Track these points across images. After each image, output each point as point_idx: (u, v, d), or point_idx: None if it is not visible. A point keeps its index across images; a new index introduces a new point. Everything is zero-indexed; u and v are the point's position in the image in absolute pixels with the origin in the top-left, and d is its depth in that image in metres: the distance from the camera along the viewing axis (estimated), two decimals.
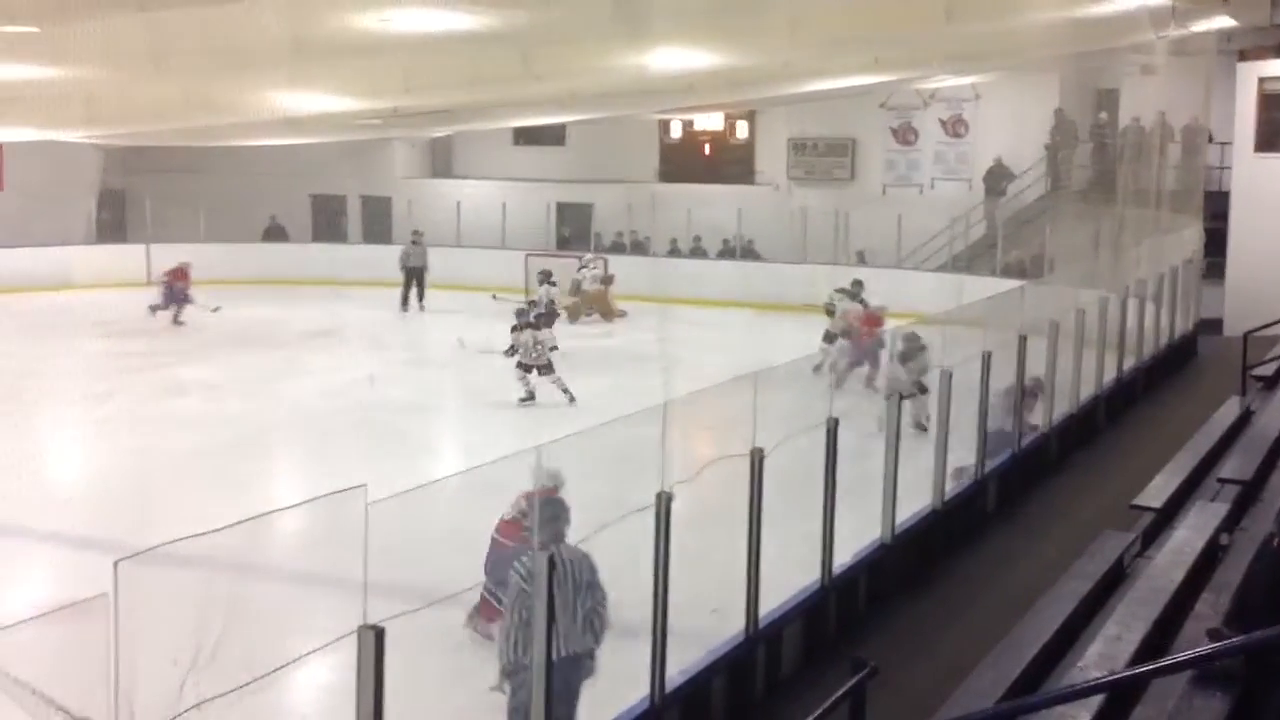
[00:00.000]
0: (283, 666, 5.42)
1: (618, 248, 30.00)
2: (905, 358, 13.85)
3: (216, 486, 12.80)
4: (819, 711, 5.80)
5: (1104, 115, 26.44)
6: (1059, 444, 14.12)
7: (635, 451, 7.28)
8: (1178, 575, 7.38)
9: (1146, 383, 17.61)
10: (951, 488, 11.28)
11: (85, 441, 15.60)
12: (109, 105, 16.84)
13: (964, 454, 11.77)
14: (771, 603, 8.39)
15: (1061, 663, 6.46)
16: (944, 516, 10.93)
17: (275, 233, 32.47)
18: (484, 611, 8.96)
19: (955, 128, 29.10)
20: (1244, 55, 23.56)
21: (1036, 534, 11.48)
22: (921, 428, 13.21)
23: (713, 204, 29.50)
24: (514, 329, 17.81)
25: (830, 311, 20.04)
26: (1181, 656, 5.57)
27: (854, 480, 9.78)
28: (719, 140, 31.79)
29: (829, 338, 19.35)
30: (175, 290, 24.44)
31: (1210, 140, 24.11)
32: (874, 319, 18.80)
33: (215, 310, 23.84)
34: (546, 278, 24.09)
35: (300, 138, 24.17)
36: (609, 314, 25.75)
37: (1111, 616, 6.77)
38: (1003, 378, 12.61)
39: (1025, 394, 13.17)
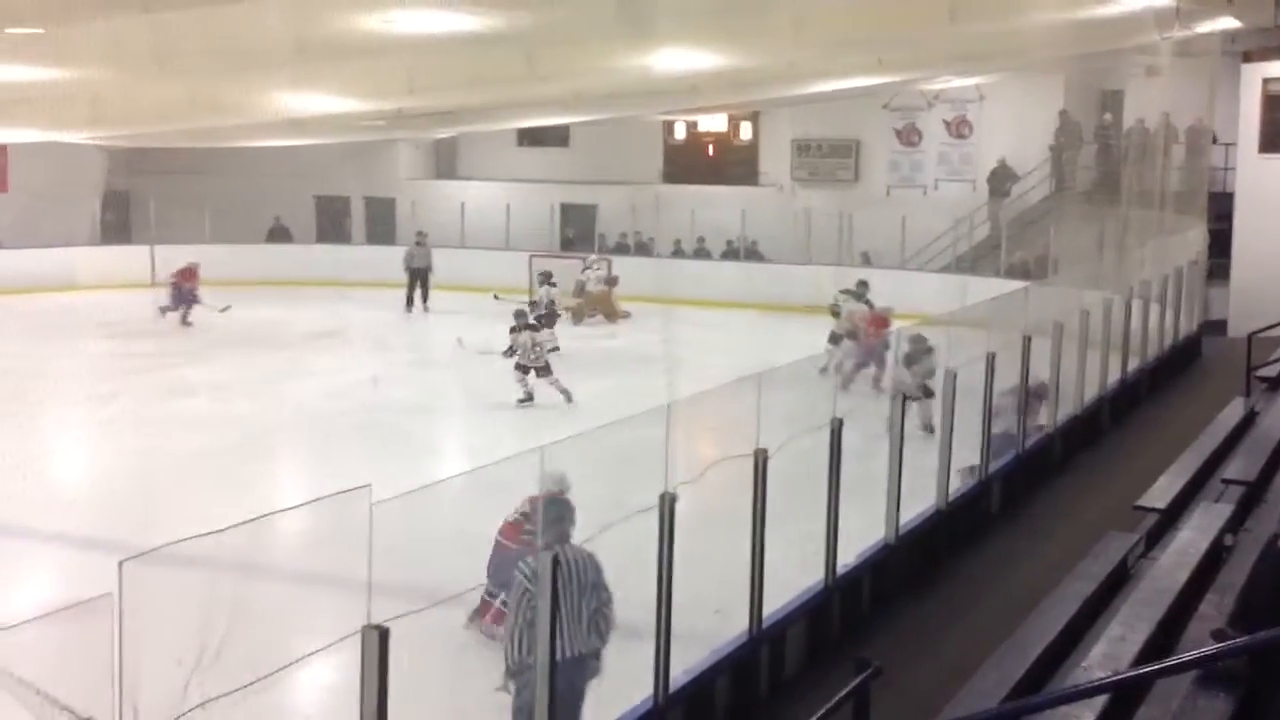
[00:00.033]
0: (287, 666, 5.43)
1: (622, 249, 30.03)
2: (910, 360, 13.85)
3: (221, 487, 12.82)
4: (822, 712, 5.80)
5: (1108, 116, 26.45)
6: (1063, 445, 14.11)
7: (639, 452, 7.28)
8: (1182, 576, 7.38)
9: (1151, 384, 17.60)
10: (958, 487, 11.28)
11: (90, 442, 15.63)
12: (114, 106, 16.89)
13: (969, 455, 11.77)
14: (775, 603, 8.39)
15: (1065, 663, 6.45)
16: (948, 517, 10.93)
17: (279, 234, 32.50)
18: (483, 612, 8.99)
19: (959, 129, 29.08)
20: (1248, 56, 23.54)
21: (1040, 535, 11.47)
22: (929, 429, 13.19)
23: (717, 205, 29.51)
24: (512, 330, 17.83)
25: (835, 313, 20.03)
26: (1186, 657, 5.57)
27: (859, 480, 9.79)
28: (723, 141, 31.80)
29: (834, 339, 19.34)
30: (184, 291, 24.49)
31: (1214, 141, 24.09)
32: (880, 320, 18.79)
33: (224, 310, 23.88)
34: (547, 278, 24.10)
35: (304, 139, 24.22)
36: (613, 315, 25.76)
37: (1115, 617, 6.77)
38: (1007, 379, 12.61)
39: (1029, 396, 13.17)
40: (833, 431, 8.97)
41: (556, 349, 21.30)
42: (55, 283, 26.55)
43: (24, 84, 14.55)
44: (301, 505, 6.70)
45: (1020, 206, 27.51)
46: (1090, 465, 14.02)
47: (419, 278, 27.52)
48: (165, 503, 11.92)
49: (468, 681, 8.45)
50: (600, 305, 25.94)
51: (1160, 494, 9.79)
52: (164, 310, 24.18)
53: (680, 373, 16.25)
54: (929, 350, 13.47)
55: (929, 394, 13.36)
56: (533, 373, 17.50)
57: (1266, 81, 23.59)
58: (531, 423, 16.43)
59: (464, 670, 8.70)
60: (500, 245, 30.03)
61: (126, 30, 12.07)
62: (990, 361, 11.94)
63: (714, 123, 31.11)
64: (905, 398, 12.04)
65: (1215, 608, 6.68)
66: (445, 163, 34.46)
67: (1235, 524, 8.57)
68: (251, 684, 4.97)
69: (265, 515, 5.49)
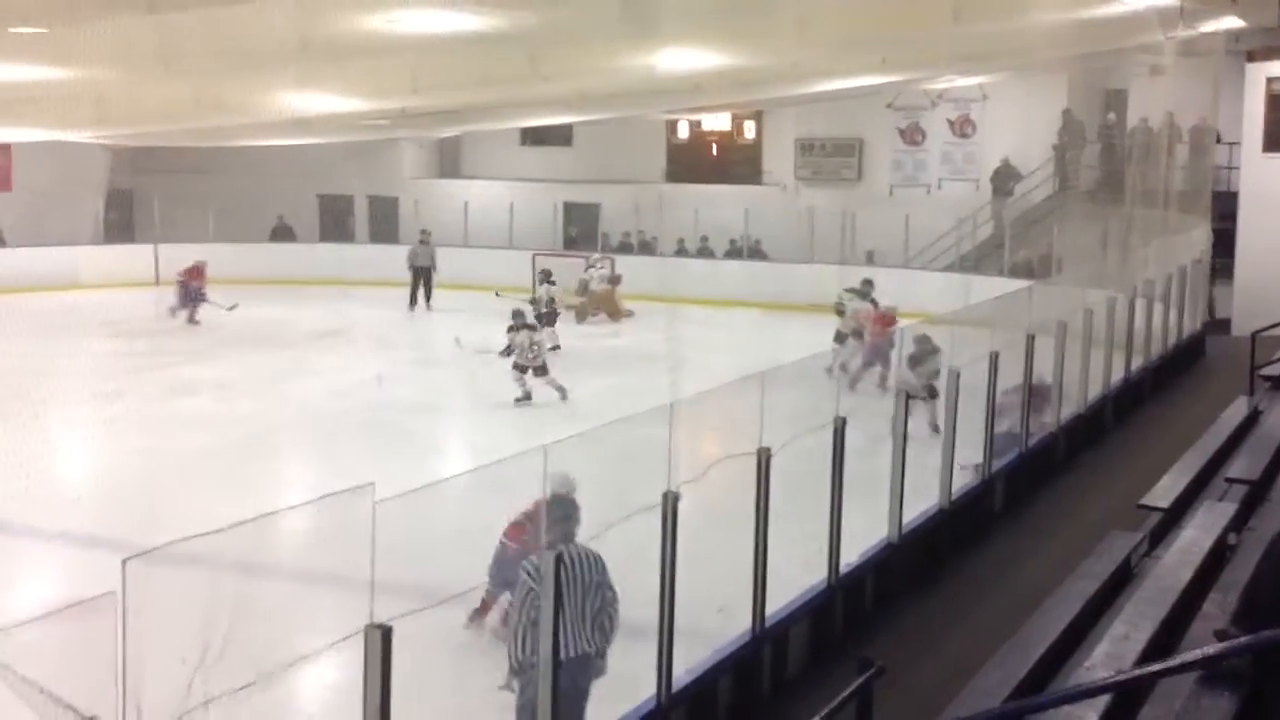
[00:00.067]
0: (290, 665, 5.44)
1: (625, 248, 30.03)
2: (915, 361, 13.82)
3: (224, 486, 12.83)
4: (826, 711, 5.80)
5: (1112, 116, 26.43)
6: (1066, 444, 14.10)
7: (642, 451, 7.29)
8: (1185, 575, 7.38)
9: (1154, 383, 17.59)
10: (962, 486, 11.28)
11: (93, 441, 15.63)
12: (118, 106, 16.88)
13: (974, 455, 11.77)
14: (778, 602, 8.40)
15: (1068, 662, 6.45)
16: (951, 516, 10.93)
17: (283, 233, 32.52)
18: (483, 611, 9.01)
19: (963, 128, 29.07)
20: (1252, 56, 23.52)
21: (1044, 534, 11.47)
22: (937, 429, 13.12)
23: (720, 204, 29.51)
24: (510, 329, 17.82)
25: (840, 311, 20.01)
26: (1189, 656, 5.56)
27: (863, 479, 9.79)
28: (726, 140, 31.80)
29: (840, 338, 19.29)
30: (191, 289, 24.53)
31: (1218, 140, 24.07)
32: (885, 318, 18.76)
33: (232, 308, 23.91)
34: (546, 277, 24.12)
35: (308, 138, 24.22)
36: (616, 314, 25.76)
37: (1119, 616, 6.76)
38: (1011, 378, 12.60)
39: (1032, 394, 13.16)
40: (836, 430, 8.97)
41: (557, 348, 21.35)
42: (59, 281, 26.57)
43: (28, 83, 14.57)
44: (305, 504, 6.71)
45: (1024, 206, 27.49)
46: (1094, 464, 14.01)
47: (422, 277, 27.54)
48: (169, 501, 11.93)
49: (471, 680, 8.46)
50: (603, 304, 25.94)
51: (1164, 493, 9.79)
52: (173, 311, 24.23)
53: (683, 372, 16.27)
54: (934, 351, 13.45)
55: (934, 394, 13.35)
56: (530, 372, 17.51)
57: (1270, 81, 23.58)
58: (535, 422, 16.44)
59: (467, 669, 8.71)
60: (504, 244, 30.05)
61: (131, 30, 12.06)
62: (994, 361, 11.94)
63: (717, 122, 31.13)
64: (909, 397, 12.04)
65: (1219, 607, 6.68)
66: (449, 162, 34.46)
67: (1239, 523, 8.56)
68: (254, 682, 4.98)
69: (268, 514, 5.49)
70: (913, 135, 29.52)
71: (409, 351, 22.63)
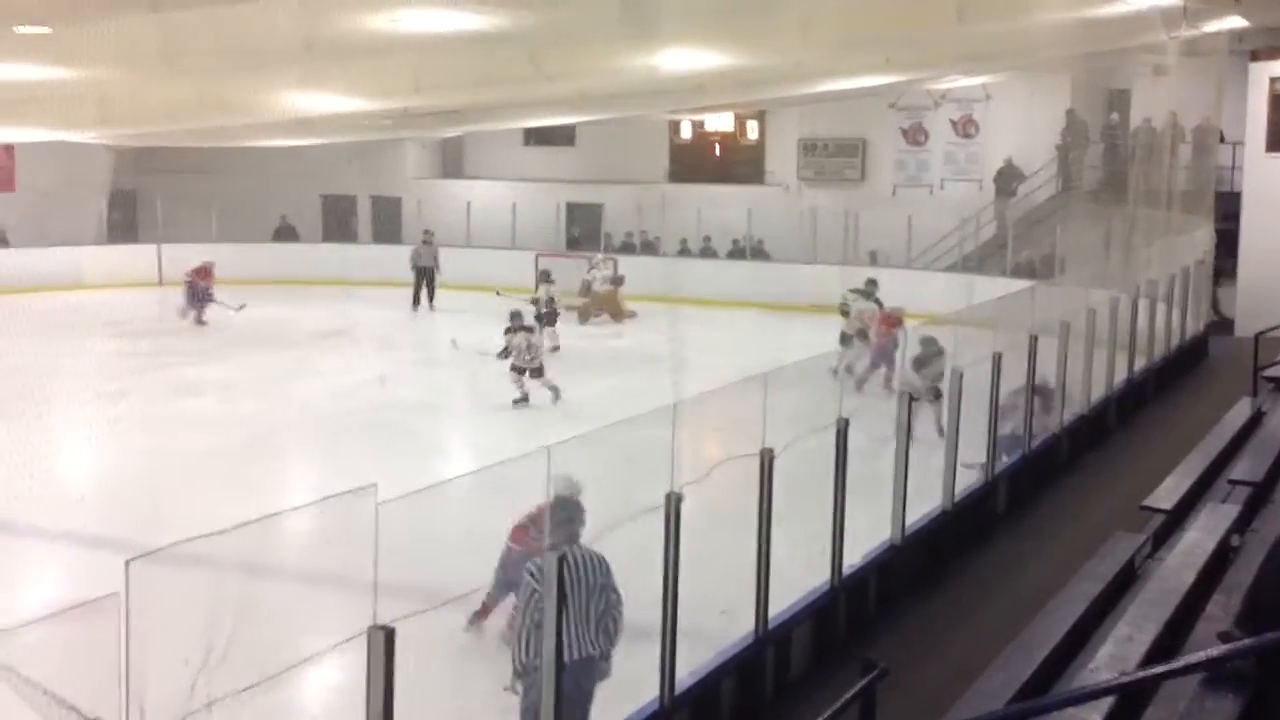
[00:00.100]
0: (293, 666, 5.44)
1: (627, 248, 30.03)
2: (920, 363, 13.79)
3: (227, 486, 12.84)
4: (829, 713, 5.79)
5: (1115, 116, 26.42)
6: (1069, 445, 14.09)
7: (645, 452, 7.28)
8: (1189, 577, 7.37)
9: (1157, 384, 17.57)
10: (966, 486, 11.28)
11: (97, 441, 15.63)
12: (122, 106, 16.91)
13: (978, 455, 11.76)
14: (781, 604, 8.39)
15: (1072, 664, 6.44)
16: (954, 517, 10.92)
17: (286, 233, 32.54)
18: (483, 614, 9.01)
19: (966, 128, 29.06)
20: (1256, 55, 23.49)
21: (1047, 535, 11.46)
22: (944, 432, 13.04)
23: (723, 204, 29.50)
24: (507, 331, 17.80)
25: (845, 312, 19.97)
26: (1192, 658, 5.55)
27: (867, 480, 9.80)
28: (729, 140, 31.80)
29: (845, 339, 19.22)
30: (198, 289, 24.55)
31: (1222, 140, 24.05)
32: (891, 319, 18.70)
33: (240, 309, 23.94)
34: (546, 277, 24.11)
35: (311, 138, 24.24)
36: (618, 315, 25.76)
37: (1122, 618, 6.75)
38: (1014, 379, 12.59)
39: (1036, 395, 13.16)
40: (839, 431, 8.97)
41: (557, 348, 21.36)
42: (62, 282, 26.58)
43: (32, 83, 14.58)
44: (308, 505, 6.71)
45: (1027, 206, 27.49)
46: (1097, 465, 14.00)
47: (425, 277, 27.56)
48: (172, 502, 11.93)
49: (474, 682, 8.46)
50: (606, 305, 25.94)
51: (1167, 494, 9.77)
52: (182, 312, 24.26)
53: (686, 372, 16.22)
54: (939, 352, 13.42)
55: (938, 396, 13.32)
56: (527, 373, 17.50)
57: (1274, 80, 23.54)
58: (537, 423, 16.44)
59: (471, 671, 8.71)
60: (506, 244, 30.05)
61: (134, 29, 12.07)
62: (996, 361, 11.93)
63: (720, 122, 31.12)
64: (912, 399, 12.02)
65: (1222, 608, 6.67)
66: (451, 162, 34.47)
67: (1242, 524, 8.55)
68: (258, 684, 4.98)
69: (272, 515, 5.49)
70: (916, 135, 29.52)
71: (412, 352, 22.63)
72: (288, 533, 7.57)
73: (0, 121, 19.20)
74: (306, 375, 19.92)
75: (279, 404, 17.93)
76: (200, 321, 24.38)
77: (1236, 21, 18.65)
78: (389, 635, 5.21)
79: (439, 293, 27.38)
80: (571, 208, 31.79)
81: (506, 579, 8.50)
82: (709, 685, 7.63)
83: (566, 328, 23.44)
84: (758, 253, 29.37)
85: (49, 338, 21.26)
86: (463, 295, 26.34)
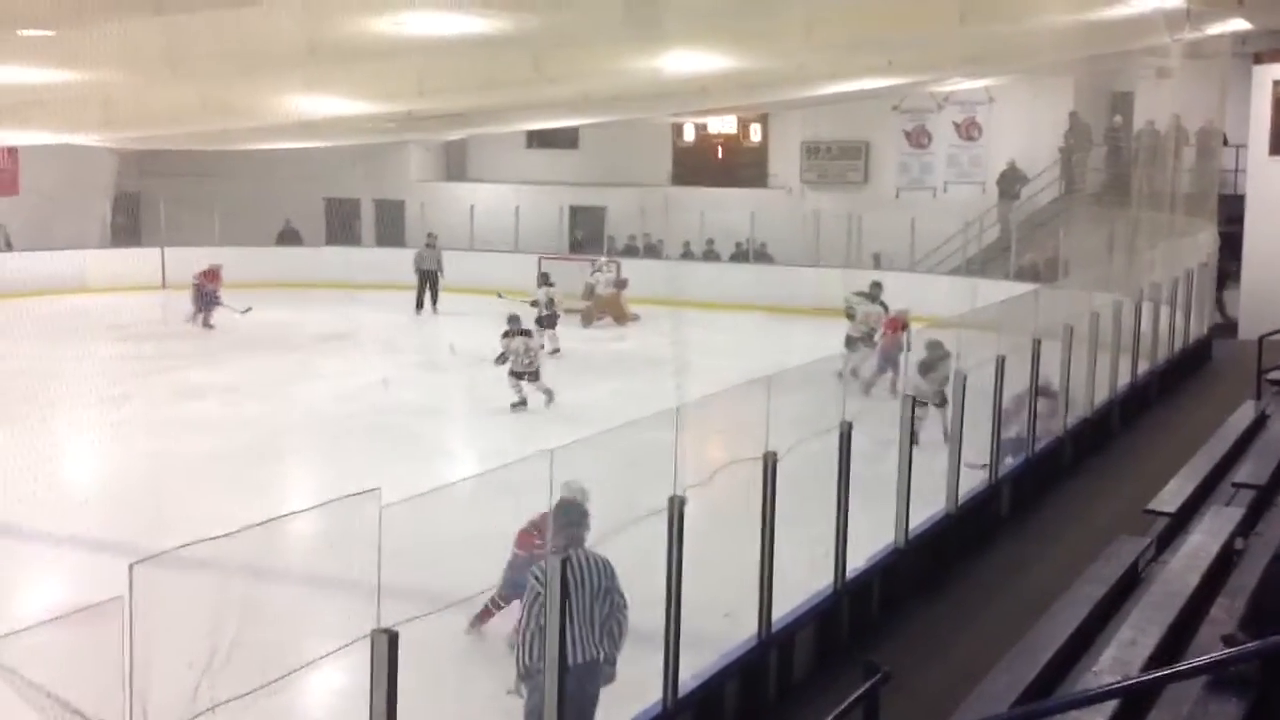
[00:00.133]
0: (297, 670, 5.43)
1: (631, 251, 30.04)
2: (926, 368, 13.79)
3: (231, 489, 12.84)
4: (832, 716, 5.79)
5: (1118, 118, 26.39)
6: (1073, 448, 14.08)
7: (648, 455, 7.29)
8: (1192, 580, 7.37)
9: (1161, 387, 17.56)
10: (970, 490, 11.27)
11: (100, 444, 15.64)
12: (125, 109, 16.93)
13: (984, 457, 11.77)
14: (784, 607, 8.39)
15: (1076, 668, 6.44)
16: (958, 521, 10.91)
17: (289, 236, 32.55)
18: (484, 618, 9.02)
19: (969, 131, 29.06)
20: (1259, 58, 23.48)
21: (1050, 538, 11.45)
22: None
23: (726, 207, 29.50)
24: (505, 335, 17.79)
25: (851, 315, 19.93)
26: (1196, 662, 5.55)
27: (872, 483, 9.80)
28: (732, 143, 31.80)
29: (851, 343, 19.16)
30: (206, 292, 24.58)
31: (1225, 143, 24.03)
32: (896, 322, 18.64)
33: (246, 311, 23.97)
34: (545, 279, 24.14)
35: (314, 141, 24.26)
36: (622, 318, 25.76)
37: (1126, 621, 6.75)
38: (1018, 382, 12.58)
39: (1041, 398, 13.16)
40: (842, 435, 8.97)
41: (558, 350, 21.37)
42: (66, 285, 26.59)
43: (35, 86, 14.59)
44: (311, 508, 6.70)
45: (1030, 209, 27.48)
46: (1100, 469, 13.99)
47: (429, 280, 27.57)
48: (176, 505, 11.94)
49: (478, 685, 8.47)
50: (609, 308, 25.94)
51: (1171, 497, 9.77)
52: (191, 317, 24.30)
53: (689, 375, 16.17)
54: (945, 356, 13.40)
55: (944, 401, 13.31)
56: (525, 377, 17.50)
57: (1277, 83, 23.50)
58: (541, 426, 16.43)
59: (474, 674, 8.71)
60: (510, 247, 30.06)
61: (138, 32, 12.08)
62: (1000, 365, 11.92)
63: (723, 125, 31.11)
64: (917, 403, 12.01)
65: (1226, 612, 6.66)
66: (455, 165, 34.50)
67: (1246, 528, 8.55)
68: (261, 687, 4.98)
69: (275, 518, 5.50)
70: (919, 138, 29.51)
71: (415, 355, 22.64)
72: (291, 536, 7.55)
73: (4, 125, 19.22)
74: (309, 378, 19.93)
75: (282, 407, 17.94)
76: (207, 325, 24.42)
77: (1240, 24, 18.64)
78: (392, 638, 5.21)
79: (442, 296, 27.38)
80: (575, 211, 31.79)
81: (513, 582, 8.50)
82: (712, 688, 7.62)
83: (570, 330, 23.46)
84: (761, 256, 29.36)
85: (52, 341, 21.28)
86: (466, 298, 26.34)
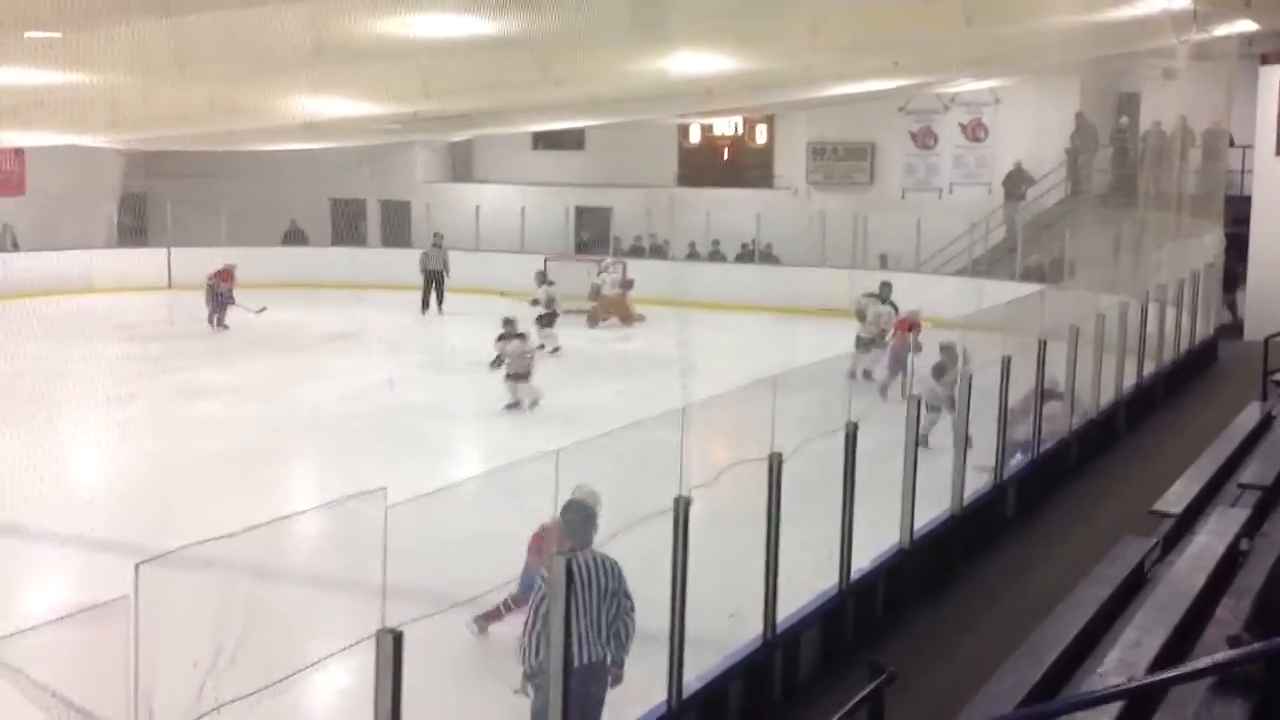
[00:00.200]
0: (302, 670, 5.44)
1: (636, 251, 30.06)
2: (940, 371, 13.78)
3: (237, 489, 12.87)
4: (837, 717, 5.79)
5: (1125, 119, 26.36)
6: (1079, 449, 14.07)
7: (654, 456, 7.29)
8: (1198, 581, 7.35)
9: (1167, 388, 17.55)
10: (976, 490, 11.27)
11: (107, 444, 15.67)
12: (132, 110, 16.94)
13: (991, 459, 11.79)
14: (789, 607, 8.39)
15: (1081, 668, 6.43)
16: (963, 521, 10.91)
17: (295, 236, 32.61)
18: (490, 618, 9.02)
19: (975, 132, 29.04)
20: (1266, 59, 23.44)
21: (1056, 539, 11.45)
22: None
23: (731, 208, 29.52)
24: (500, 338, 17.78)
25: (861, 316, 19.90)
26: (1201, 663, 5.54)
27: (880, 484, 9.81)
28: (738, 144, 31.81)
29: (861, 343, 19.13)
30: (220, 292, 24.64)
31: (1231, 144, 23.98)
32: (906, 323, 18.59)
33: (260, 311, 24.03)
34: (543, 278, 24.15)
35: (321, 142, 24.29)
36: (628, 318, 25.77)
37: (1131, 622, 6.74)
38: (1024, 382, 12.58)
39: (1052, 398, 13.16)
40: (847, 435, 8.97)
41: (558, 348, 21.40)
42: (73, 285, 26.65)
43: (42, 88, 14.61)
44: (317, 508, 6.72)
45: (1036, 210, 27.45)
46: (1106, 469, 13.98)
47: (434, 280, 27.59)
48: (182, 505, 11.95)
49: (484, 685, 8.47)
50: (615, 308, 25.94)
51: (1176, 498, 9.76)
52: (210, 319, 24.38)
53: (695, 376, 16.22)
54: (958, 359, 13.37)
55: (953, 405, 13.27)
56: (519, 378, 17.50)
57: None
58: (546, 426, 16.43)
59: (480, 674, 8.72)
60: (515, 248, 30.09)
61: (145, 34, 12.10)
62: (1005, 366, 11.92)
63: (729, 126, 31.13)
64: (929, 407, 12.01)
65: (1231, 613, 6.65)
66: (461, 166, 34.52)
67: (1251, 528, 8.53)
68: (266, 687, 4.99)
69: (281, 518, 5.51)
70: (925, 139, 29.50)
71: (420, 355, 22.65)
72: (297, 536, 7.60)
73: (11, 126, 19.25)
74: (315, 378, 19.95)
75: (288, 407, 17.96)
76: (222, 325, 24.49)
77: (1246, 25, 18.61)
78: (397, 638, 5.21)
79: (448, 296, 27.40)
80: (580, 211, 31.82)
81: (528, 585, 8.52)
82: (717, 688, 7.62)
83: (576, 331, 23.48)
84: (766, 256, 29.36)
85: (59, 341, 21.35)
86: (472, 299, 26.37)
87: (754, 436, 8.00)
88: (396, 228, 32.99)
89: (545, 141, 32.43)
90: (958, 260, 27.70)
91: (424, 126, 22.87)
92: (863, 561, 9.35)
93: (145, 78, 14.37)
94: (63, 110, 15.97)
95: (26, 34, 12.22)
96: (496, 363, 17.68)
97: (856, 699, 5.93)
